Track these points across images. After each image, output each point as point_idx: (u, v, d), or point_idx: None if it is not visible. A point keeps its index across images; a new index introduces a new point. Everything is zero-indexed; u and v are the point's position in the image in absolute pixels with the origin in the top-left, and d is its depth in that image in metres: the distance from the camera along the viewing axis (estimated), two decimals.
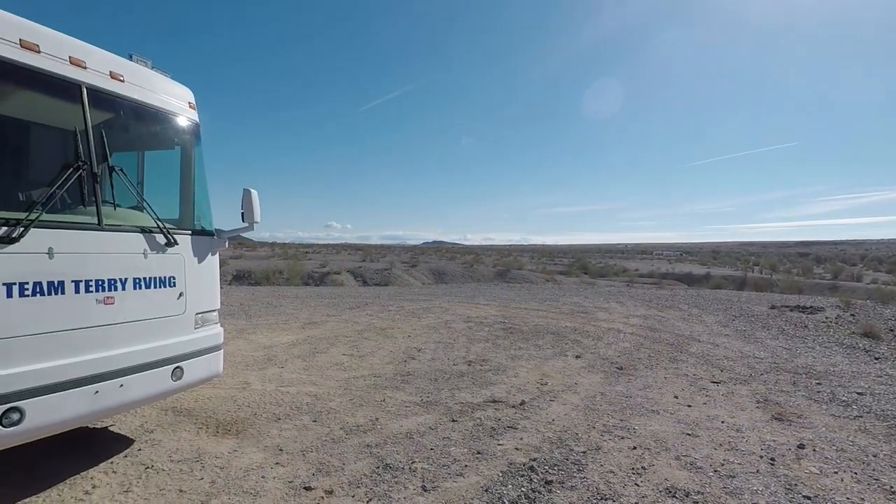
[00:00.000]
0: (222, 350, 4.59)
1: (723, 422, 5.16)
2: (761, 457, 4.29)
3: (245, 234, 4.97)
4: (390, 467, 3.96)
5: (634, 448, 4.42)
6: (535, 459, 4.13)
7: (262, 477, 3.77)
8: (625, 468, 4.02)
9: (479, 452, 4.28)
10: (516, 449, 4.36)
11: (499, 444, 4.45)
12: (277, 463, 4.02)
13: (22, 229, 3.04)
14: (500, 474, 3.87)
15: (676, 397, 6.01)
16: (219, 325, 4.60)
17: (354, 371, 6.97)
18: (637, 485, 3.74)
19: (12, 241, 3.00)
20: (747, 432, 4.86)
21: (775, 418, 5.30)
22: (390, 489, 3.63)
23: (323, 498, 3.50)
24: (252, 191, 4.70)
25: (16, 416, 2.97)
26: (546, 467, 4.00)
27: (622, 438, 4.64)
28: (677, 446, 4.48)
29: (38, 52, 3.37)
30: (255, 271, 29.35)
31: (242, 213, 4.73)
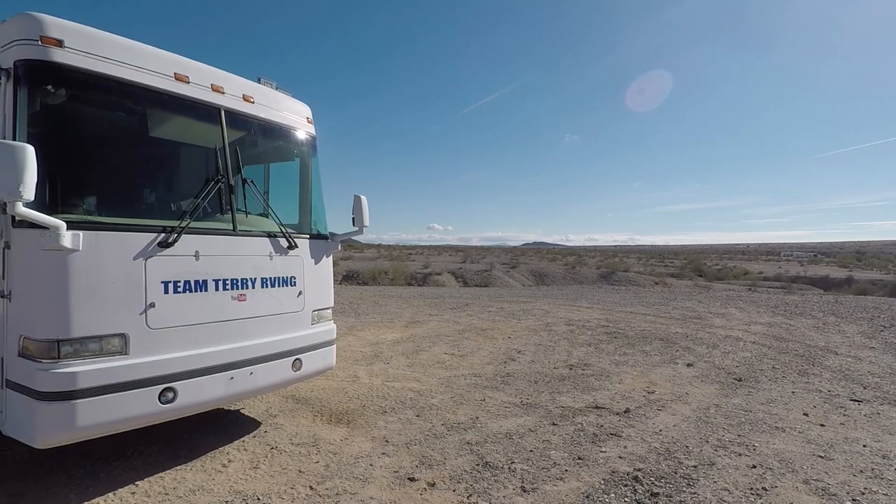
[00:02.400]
0: (335, 345, 4.98)
1: (864, 445, 4.57)
2: None
3: (355, 237, 5.33)
4: (490, 465, 4.04)
5: (754, 467, 4.07)
6: (640, 470, 3.97)
7: (370, 465, 4.03)
8: (742, 487, 3.72)
9: (580, 458, 4.20)
10: (620, 457, 4.22)
11: (601, 451, 4.34)
12: (384, 453, 4.27)
13: (176, 235, 3.56)
14: (602, 482, 3.78)
15: (806, 415, 5.41)
16: (332, 322, 4.99)
17: (455, 370, 7.15)
18: None
19: (169, 245, 3.53)
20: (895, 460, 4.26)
21: None
22: (490, 487, 3.70)
23: (426, 489, 3.66)
24: (362, 197, 5.04)
25: (171, 395, 3.48)
26: (652, 479, 3.82)
27: (740, 455, 4.30)
28: (806, 468, 4.05)
29: (188, 82, 3.91)
30: (362, 272, 31.05)
31: (353, 218, 5.09)
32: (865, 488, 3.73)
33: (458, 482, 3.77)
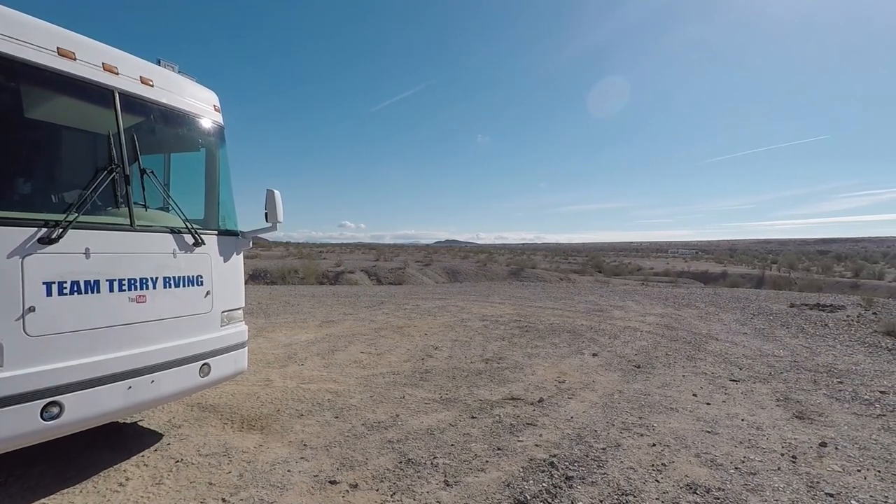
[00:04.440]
0: (247, 347, 4.70)
1: (743, 420, 5.15)
2: (782, 454, 4.28)
3: (265, 235, 5.06)
4: (412, 462, 4.03)
5: (654, 445, 4.44)
6: (555, 456, 4.17)
7: (288, 471, 3.87)
8: (645, 465, 4.04)
9: (499, 448, 4.33)
10: (536, 445, 4.40)
11: (519, 441, 4.50)
12: (302, 458, 4.11)
13: (61, 230, 3.17)
14: (521, 470, 3.92)
15: (695, 395, 6.00)
16: (243, 322, 4.71)
17: (373, 368, 7.06)
18: (657, 481, 3.77)
19: (52, 241, 3.13)
20: (768, 430, 4.85)
21: (796, 416, 5.27)
22: (413, 483, 3.70)
23: (348, 492, 3.58)
24: (275, 191, 4.80)
25: (56, 410, 3.09)
26: (566, 463, 4.03)
27: (641, 436, 4.66)
28: (697, 444, 4.49)
29: (75, 59, 3.49)
30: (271, 270, 29.66)
31: (266, 213, 4.82)
32: (745, 457, 4.21)
33: (381, 481, 3.73)
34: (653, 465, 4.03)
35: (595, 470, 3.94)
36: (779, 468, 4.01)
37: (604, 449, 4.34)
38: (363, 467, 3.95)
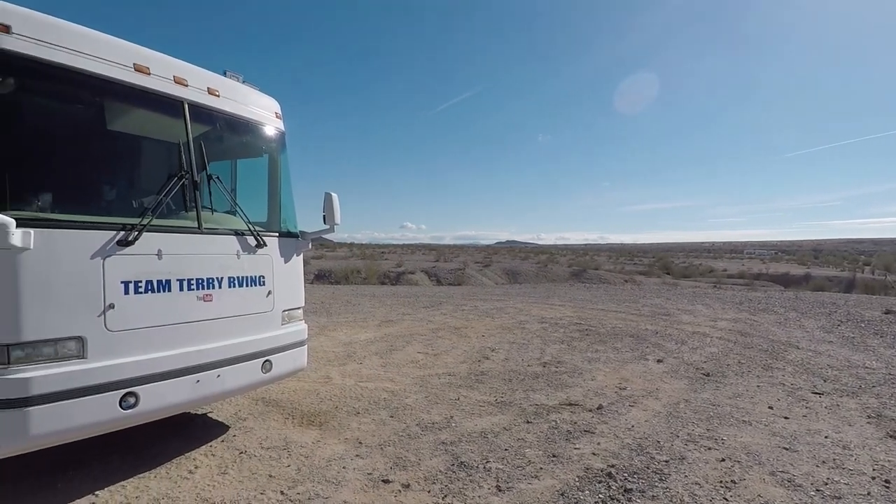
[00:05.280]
0: (306, 345, 4.86)
1: (826, 437, 4.72)
2: (873, 478, 3.87)
3: (326, 236, 5.22)
4: (465, 465, 4.00)
5: (723, 460, 4.15)
6: (613, 466, 4.00)
7: (343, 468, 3.95)
8: (712, 481, 3.78)
9: (554, 455, 4.21)
10: (593, 454, 4.24)
11: (575, 448, 4.36)
12: (357, 455, 4.19)
13: (136, 233, 3.40)
14: (577, 479, 3.79)
15: (771, 408, 5.57)
16: (303, 321, 4.87)
17: (429, 369, 7.10)
18: (726, 499, 3.51)
19: (129, 244, 3.37)
20: (856, 450, 4.41)
21: (890, 436, 4.76)
22: (465, 487, 3.66)
23: (400, 491, 3.60)
24: (333, 194, 4.93)
25: (132, 400, 3.32)
26: (625, 475, 3.85)
27: (709, 449, 4.38)
28: (772, 461, 4.15)
29: (149, 73, 3.74)
30: (334, 271, 30.68)
31: (324, 216, 4.97)
32: (828, 478, 3.85)
33: (433, 483, 3.72)
34: (721, 482, 3.76)
35: (656, 483, 3.74)
36: (868, 493, 3.63)
37: (667, 461, 4.11)
38: (416, 468, 3.96)
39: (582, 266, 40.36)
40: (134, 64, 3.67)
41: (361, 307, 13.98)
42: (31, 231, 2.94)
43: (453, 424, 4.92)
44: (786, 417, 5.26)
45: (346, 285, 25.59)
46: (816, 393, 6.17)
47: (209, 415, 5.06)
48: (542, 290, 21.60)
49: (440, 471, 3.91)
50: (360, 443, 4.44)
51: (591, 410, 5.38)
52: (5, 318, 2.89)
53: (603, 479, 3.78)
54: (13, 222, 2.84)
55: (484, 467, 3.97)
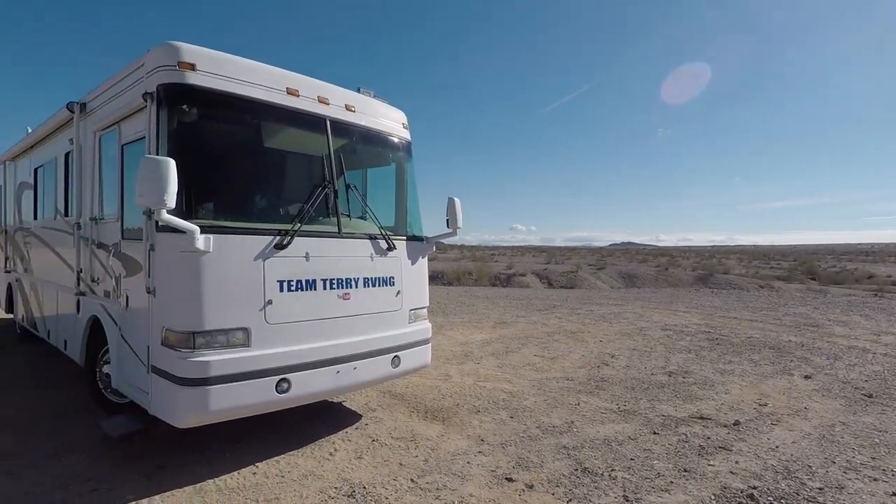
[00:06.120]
0: (430, 344, 5.11)
1: None
2: None
3: (447, 239, 5.43)
4: (589, 471, 3.94)
5: (894, 494, 3.63)
6: (755, 488, 3.68)
7: (468, 463, 4.09)
8: None
9: (685, 470, 3.98)
10: (731, 472, 3.94)
11: (709, 465, 4.08)
12: (480, 452, 4.31)
13: (289, 238, 3.85)
14: (713, 497, 3.55)
15: None
16: (427, 321, 5.13)
17: (547, 372, 7.05)
18: None
19: (283, 247, 3.82)
20: None
21: None
22: (590, 493, 3.61)
23: (524, 491, 3.65)
24: (456, 199, 5.14)
25: (286, 386, 3.75)
26: (770, 499, 3.53)
27: (875, 480, 3.85)
28: None
29: (298, 95, 4.21)
30: (446, 272, 31.46)
31: (447, 220, 5.20)
32: None
33: (557, 486, 3.72)
34: None
35: None
36: None
37: (821, 489, 3.69)
38: (538, 469, 3.98)
39: (708, 270, 37.14)
40: (286, 88, 4.16)
41: (475, 308, 14.22)
42: (210, 237, 3.46)
43: (574, 429, 4.85)
44: None
45: (458, 286, 26.15)
46: None
47: (343, 404, 5.51)
48: (663, 294, 20.29)
49: (563, 474, 3.90)
50: (481, 440, 4.57)
51: (725, 426, 4.98)
52: (192, 310, 3.44)
53: (743, 501, 3.50)
54: (198, 229, 3.37)
55: (609, 475, 3.88)
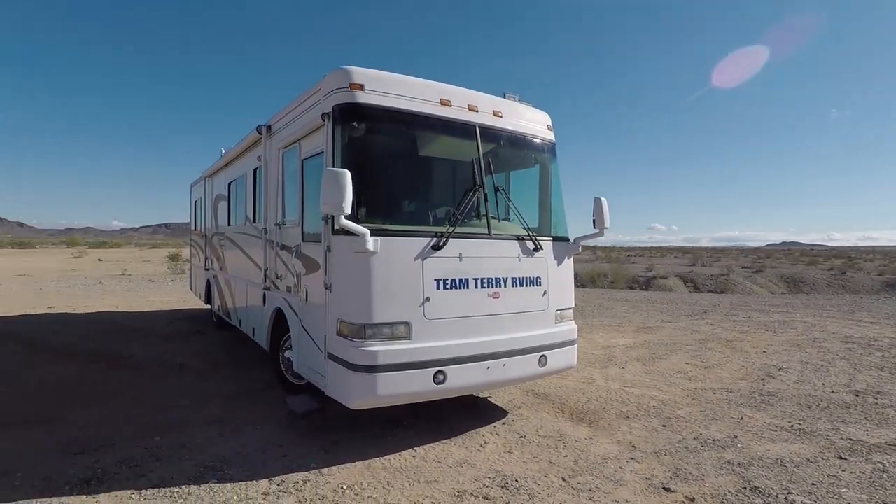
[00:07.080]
0: (576, 345, 5.07)
1: None
2: None
3: (593, 240, 5.33)
4: (759, 491, 3.61)
5: None
6: None
7: (620, 468, 4.00)
8: None
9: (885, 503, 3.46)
10: None
11: None
12: (632, 458, 4.18)
13: (445, 239, 4.11)
14: None
15: None
16: (573, 322, 5.10)
17: (700, 382, 6.55)
18: None
19: (439, 248, 4.09)
20: None
21: None
22: None
23: (683, 503, 3.48)
24: (602, 199, 5.04)
25: (441, 378, 4.01)
26: None
27: None
28: None
29: (451, 105, 4.47)
30: (580, 274, 30.50)
31: (594, 220, 5.11)
32: None
33: (722, 502, 3.47)
34: None
35: None
36: None
37: None
38: (699, 482, 3.75)
39: None
40: (440, 99, 4.45)
41: (615, 311, 13.65)
42: (378, 239, 3.84)
43: (738, 445, 4.47)
44: None
45: (594, 288, 25.24)
46: None
47: (489, 399, 5.69)
48: (840, 302, 17.54)
49: (729, 491, 3.62)
50: (633, 446, 4.42)
51: None
52: (363, 304, 3.85)
53: None
54: (368, 232, 3.77)
55: (786, 499, 3.52)
